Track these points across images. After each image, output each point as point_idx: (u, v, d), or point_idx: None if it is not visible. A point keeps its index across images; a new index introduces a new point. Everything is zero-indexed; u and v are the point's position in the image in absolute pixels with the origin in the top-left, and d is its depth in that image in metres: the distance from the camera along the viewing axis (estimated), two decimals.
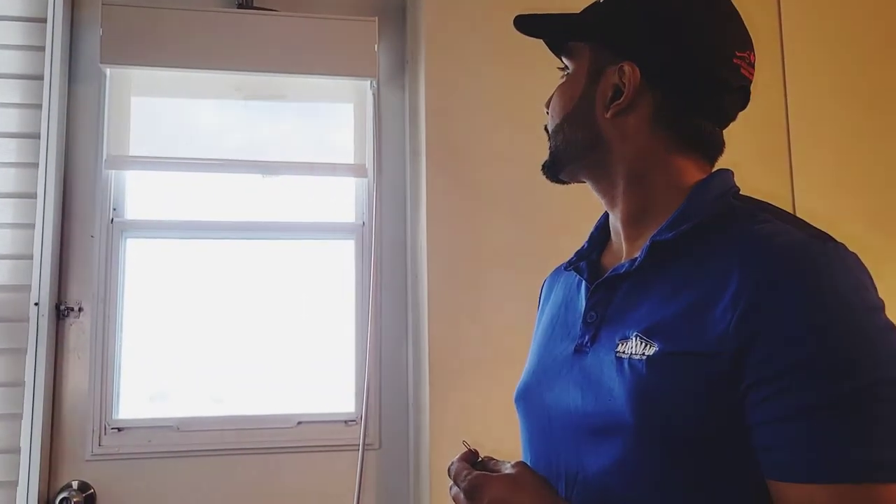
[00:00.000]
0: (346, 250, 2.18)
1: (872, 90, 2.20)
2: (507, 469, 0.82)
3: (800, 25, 2.17)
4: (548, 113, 0.93)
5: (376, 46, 2.12)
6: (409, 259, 2.16)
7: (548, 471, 0.87)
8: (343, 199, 2.23)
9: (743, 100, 0.86)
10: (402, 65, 2.26)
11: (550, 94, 0.93)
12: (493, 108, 2.00)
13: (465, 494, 0.79)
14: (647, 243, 0.81)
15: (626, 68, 0.84)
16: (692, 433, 0.71)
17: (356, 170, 2.21)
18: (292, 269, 2.18)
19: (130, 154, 2.12)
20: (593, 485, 0.78)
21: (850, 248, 0.72)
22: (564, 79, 0.92)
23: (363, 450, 1.08)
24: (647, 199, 0.86)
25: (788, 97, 2.14)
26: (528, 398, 0.94)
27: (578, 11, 0.91)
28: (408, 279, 2.16)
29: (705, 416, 0.70)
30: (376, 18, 2.15)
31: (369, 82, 2.18)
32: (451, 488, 0.83)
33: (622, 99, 0.84)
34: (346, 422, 2.07)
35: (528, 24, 0.93)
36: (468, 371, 1.88)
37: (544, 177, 0.95)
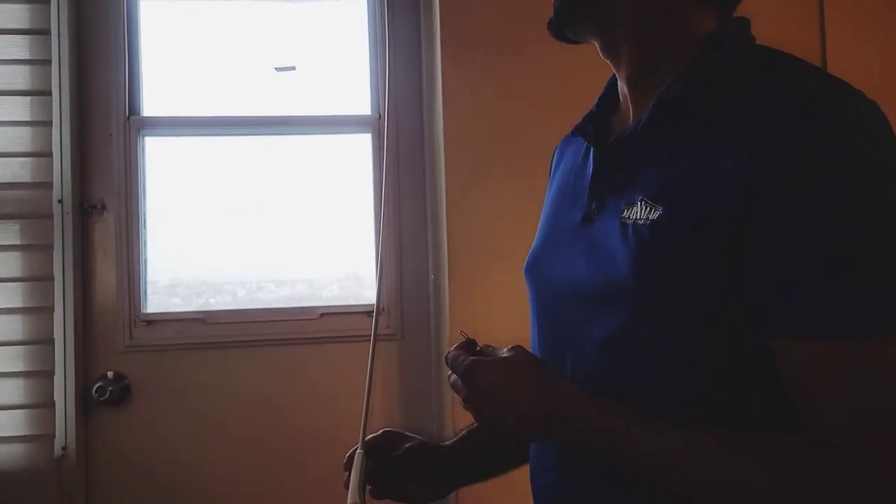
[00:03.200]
0: (363, 143, 2.16)
1: None
2: (503, 353, 0.81)
3: None
4: None
5: None
6: (427, 150, 2.14)
7: (554, 343, 0.86)
8: (358, 92, 2.19)
9: None
10: None
11: None
12: None
13: (462, 380, 0.79)
14: (653, 101, 0.77)
15: None
16: (695, 298, 0.69)
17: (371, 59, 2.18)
18: (311, 163, 2.17)
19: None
20: (596, 354, 0.78)
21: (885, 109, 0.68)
22: None
23: (374, 338, 1.10)
24: (656, 53, 0.81)
25: None
26: (536, 269, 0.93)
27: None
28: (426, 170, 2.14)
29: (709, 280, 0.68)
30: None
31: None
32: (449, 377, 0.82)
33: None
34: (368, 313, 2.10)
35: None
36: (488, 259, 1.89)
37: (550, 34, 0.89)
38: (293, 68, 2.18)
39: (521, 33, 1.91)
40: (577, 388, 0.76)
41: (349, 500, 0.88)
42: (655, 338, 0.72)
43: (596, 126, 0.89)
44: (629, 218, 0.74)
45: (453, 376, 0.81)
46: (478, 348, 0.85)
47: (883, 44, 2.01)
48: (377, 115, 2.16)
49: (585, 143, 0.91)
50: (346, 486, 0.91)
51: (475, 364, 0.79)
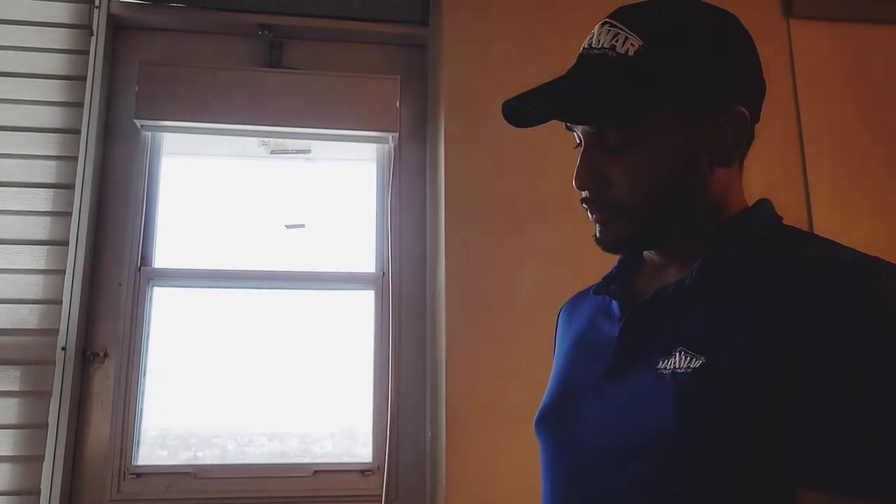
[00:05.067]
0: (366, 300, 2.21)
1: (889, 109, 2.23)
2: None
3: (810, 49, 2.23)
4: (590, 192, 0.83)
5: (398, 103, 2.20)
6: (429, 309, 2.18)
7: (574, 497, 0.85)
8: (364, 251, 2.27)
9: None
10: (422, 120, 2.33)
11: (592, 170, 0.82)
12: (511, 162, 2.05)
13: None
14: (699, 263, 0.81)
15: (740, 110, 0.81)
16: (738, 444, 0.71)
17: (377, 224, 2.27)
18: (313, 319, 2.21)
19: (161, 207, 2.20)
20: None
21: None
22: (625, 143, 0.80)
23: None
24: (699, 232, 0.85)
25: (802, 118, 2.17)
26: (551, 422, 0.92)
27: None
28: (426, 329, 2.18)
29: (752, 427, 0.71)
30: (398, 76, 2.23)
31: (390, 137, 2.25)
32: None
33: (734, 150, 0.83)
34: (363, 472, 2.06)
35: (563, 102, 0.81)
36: (487, 419, 1.88)
37: (601, 247, 0.86)
38: (302, 226, 2.28)
39: (524, 199, 2.02)
40: None
41: None
42: (697, 483, 0.73)
43: (619, 285, 0.93)
44: (666, 368, 0.77)
45: None
46: None
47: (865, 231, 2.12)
48: (381, 273, 2.22)
49: (603, 300, 0.94)
50: None
51: None
